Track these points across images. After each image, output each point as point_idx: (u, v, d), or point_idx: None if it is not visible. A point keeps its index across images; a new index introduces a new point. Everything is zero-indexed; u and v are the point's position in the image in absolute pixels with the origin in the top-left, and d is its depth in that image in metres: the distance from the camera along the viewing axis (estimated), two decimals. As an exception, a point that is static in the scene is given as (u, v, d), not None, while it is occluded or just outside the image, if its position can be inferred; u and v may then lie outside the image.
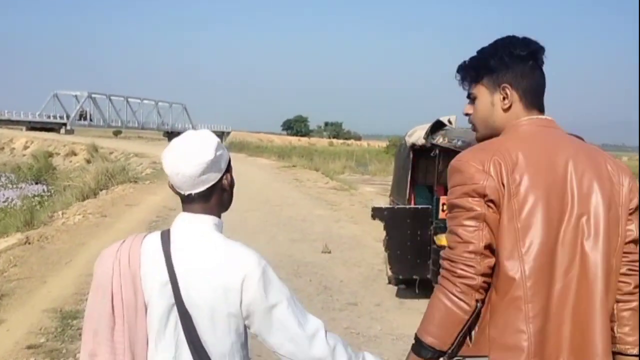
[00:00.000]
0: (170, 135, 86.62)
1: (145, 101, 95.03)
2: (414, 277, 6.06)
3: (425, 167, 7.40)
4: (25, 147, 41.27)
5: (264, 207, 12.93)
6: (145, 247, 1.58)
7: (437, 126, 6.26)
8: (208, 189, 1.56)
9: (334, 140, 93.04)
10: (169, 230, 1.61)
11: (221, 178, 1.58)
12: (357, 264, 7.87)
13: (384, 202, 10.95)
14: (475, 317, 1.55)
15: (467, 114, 1.76)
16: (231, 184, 1.63)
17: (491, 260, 1.52)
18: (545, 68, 1.72)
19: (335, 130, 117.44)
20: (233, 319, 1.52)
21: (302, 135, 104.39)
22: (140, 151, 31.67)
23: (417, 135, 6.53)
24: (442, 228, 6.26)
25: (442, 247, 6.05)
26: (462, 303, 1.51)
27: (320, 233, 10.00)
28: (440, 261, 1.59)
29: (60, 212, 11.84)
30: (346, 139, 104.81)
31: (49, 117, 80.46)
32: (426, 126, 6.31)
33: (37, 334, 4.92)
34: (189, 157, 1.52)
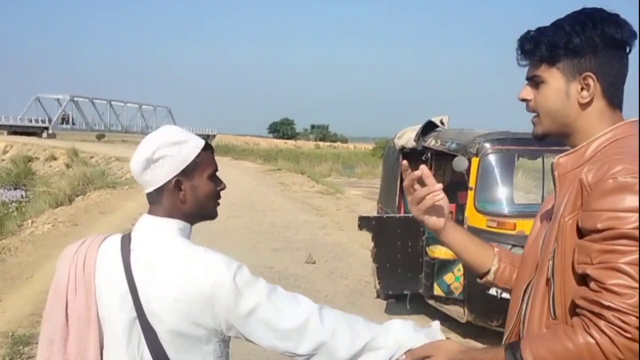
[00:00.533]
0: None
1: (129, 104, 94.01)
2: (405, 292, 5.58)
3: (415, 171, 6.92)
4: (5, 152, 40.34)
5: (247, 213, 12.40)
6: (102, 252, 1.45)
7: (429, 127, 5.81)
8: (156, 190, 1.45)
9: (321, 143, 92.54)
10: (129, 235, 1.47)
11: (170, 181, 1.43)
12: (344, 276, 7.37)
13: (371, 207, 10.53)
14: None
15: (524, 100, 1.38)
16: (191, 191, 1.45)
17: None
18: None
19: (321, 132, 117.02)
20: (203, 332, 1.38)
21: (288, 138, 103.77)
22: (122, 155, 30.83)
23: (407, 138, 6.06)
24: (435, 239, 5.78)
25: (435, 259, 5.58)
26: None
27: (304, 241, 9.49)
28: (590, 306, 1.15)
29: (29, 221, 11.24)
30: (333, 141, 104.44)
31: (30, 121, 79.07)
32: (417, 127, 5.86)
33: (-19, 364, 4.37)
34: (136, 152, 1.45)
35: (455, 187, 6.44)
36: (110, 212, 11.80)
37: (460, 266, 5.16)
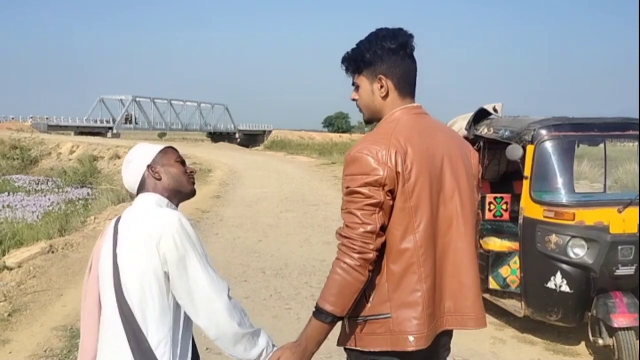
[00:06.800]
0: (213, 135, 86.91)
1: (188, 103, 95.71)
2: (458, 285, 5.39)
3: (468, 161, 6.67)
4: (71, 152, 41.99)
5: (299, 207, 12.42)
6: (112, 222, 1.96)
7: (481, 115, 5.57)
8: (142, 178, 1.98)
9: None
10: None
11: (146, 170, 1.96)
12: (396, 269, 7.22)
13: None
14: (368, 284, 1.79)
15: (353, 100, 1.99)
16: (163, 170, 1.96)
17: (383, 239, 1.78)
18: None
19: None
20: (151, 268, 1.75)
21: (343, 132, 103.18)
22: (182, 152, 31.59)
23: (458, 126, 5.83)
24: (490, 230, 5.55)
25: (489, 252, 5.30)
26: (359, 275, 1.74)
27: (357, 234, 9.38)
28: (339, 239, 1.79)
29: (92, 217, 11.64)
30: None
31: (95, 121, 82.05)
32: (468, 115, 5.63)
33: (41, 356, 4.52)
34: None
35: (511, 176, 6.18)
36: (168, 208, 12.07)
37: (516, 259, 4.94)
